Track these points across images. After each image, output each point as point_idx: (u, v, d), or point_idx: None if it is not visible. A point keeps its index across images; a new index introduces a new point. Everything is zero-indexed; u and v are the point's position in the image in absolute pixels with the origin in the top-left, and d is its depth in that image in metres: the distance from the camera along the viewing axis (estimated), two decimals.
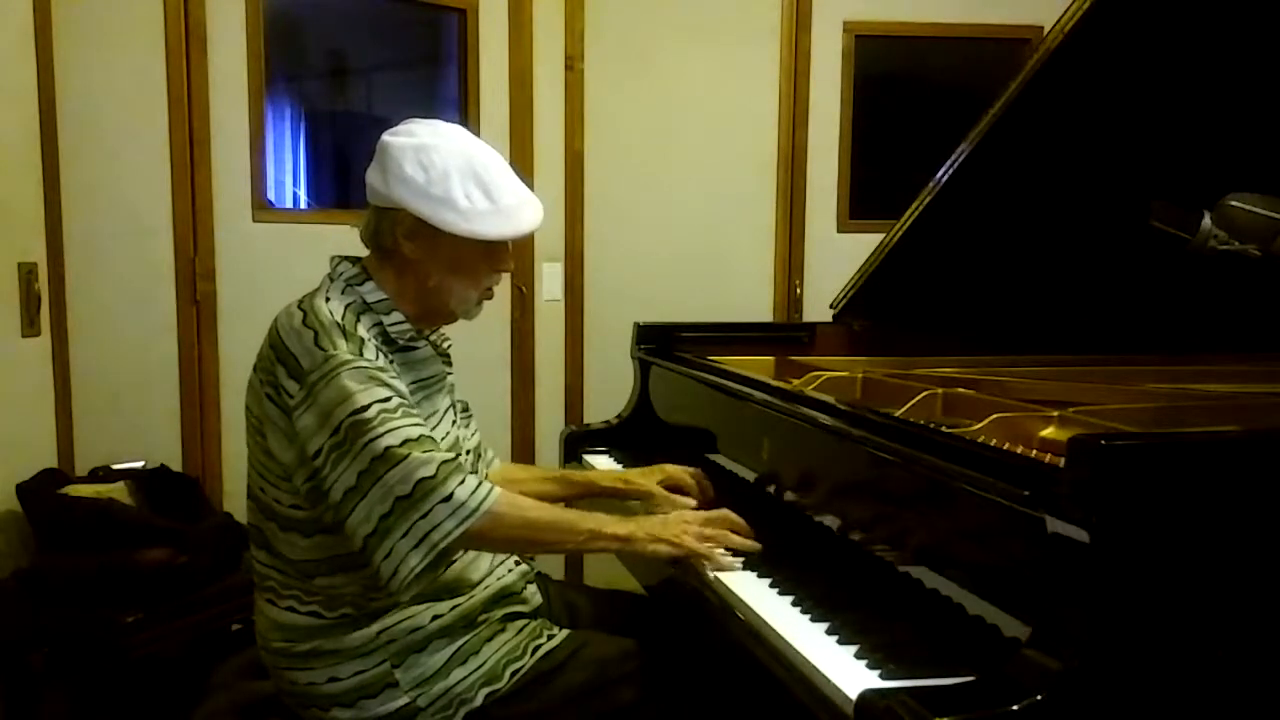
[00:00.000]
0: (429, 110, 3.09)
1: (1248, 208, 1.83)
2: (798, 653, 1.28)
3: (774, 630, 1.35)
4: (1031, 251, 2.17)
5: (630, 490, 1.89)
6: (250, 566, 1.66)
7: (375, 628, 1.55)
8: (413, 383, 1.61)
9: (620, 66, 3.49)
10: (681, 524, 1.64)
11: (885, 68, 3.63)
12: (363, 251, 1.66)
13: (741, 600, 1.46)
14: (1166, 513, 1.06)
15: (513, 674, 1.58)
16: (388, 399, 1.48)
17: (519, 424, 3.47)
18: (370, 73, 3.55)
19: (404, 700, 1.54)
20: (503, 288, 1.73)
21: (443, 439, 1.60)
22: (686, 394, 2.27)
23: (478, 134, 2.33)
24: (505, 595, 1.67)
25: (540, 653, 1.61)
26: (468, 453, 1.75)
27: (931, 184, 2.10)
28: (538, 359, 3.49)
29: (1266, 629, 1.09)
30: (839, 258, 2.97)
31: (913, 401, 1.73)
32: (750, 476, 1.93)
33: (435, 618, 1.57)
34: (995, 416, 1.56)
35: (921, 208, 2.13)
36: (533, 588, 1.75)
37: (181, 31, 2.73)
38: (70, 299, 2.64)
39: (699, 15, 3.51)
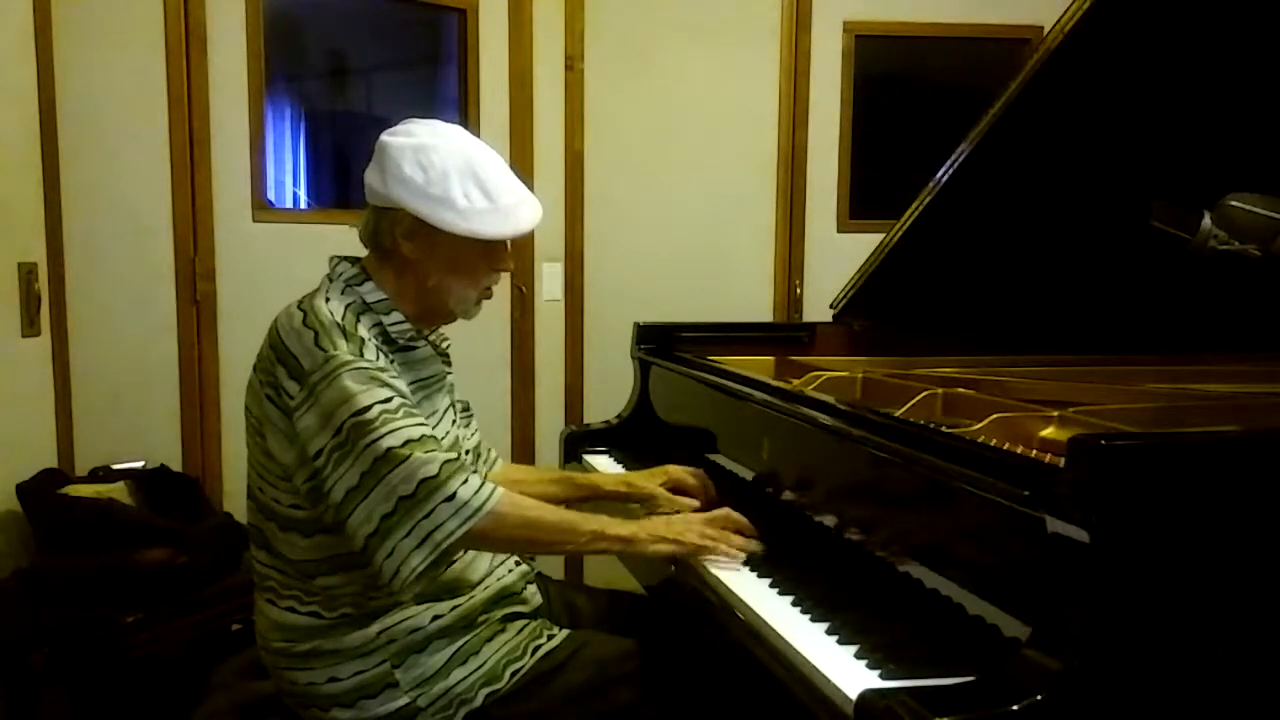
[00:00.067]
0: (429, 110, 3.09)
1: (1248, 208, 1.83)
2: (798, 653, 1.28)
3: (774, 630, 1.35)
4: (1031, 251, 2.17)
5: (633, 494, 1.90)
6: (250, 566, 1.66)
7: (375, 628, 1.55)
8: (412, 382, 1.61)
9: (620, 66, 3.49)
10: (684, 524, 1.64)
11: (885, 68, 3.63)
12: (362, 251, 1.66)
13: (741, 600, 1.46)
14: (1166, 513, 1.06)
15: (513, 674, 1.58)
16: (389, 399, 1.48)
17: (519, 424, 3.47)
18: (370, 73, 3.55)
19: (404, 700, 1.54)
20: (502, 288, 1.74)
21: (442, 439, 1.60)
22: (686, 394, 2.27)
23: (478, 134, 2.34)
24: (505, 595, 1.67)
25: (540, 653, 1.61)
26: (467, 452, 1.75)
27: (931, 184, 2.10)
28: (538, 359, 3.49)
29: (1266, 629, 1.09)
30: (839, 258, 2.97)
31: (913, 401, 1.73)
32: (750, 476, 1.93)
33: (435, 618, 1.57)
34: (995, 416, 1.56)
35: (921, 208, 2.13)
36: (533, 588, 1.75)
37: (181, 31, 2.73)
38: (70, 299, 2.64)
39: (699, 15, 3.51)
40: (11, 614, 2.22)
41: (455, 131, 1.63)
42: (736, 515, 1.66)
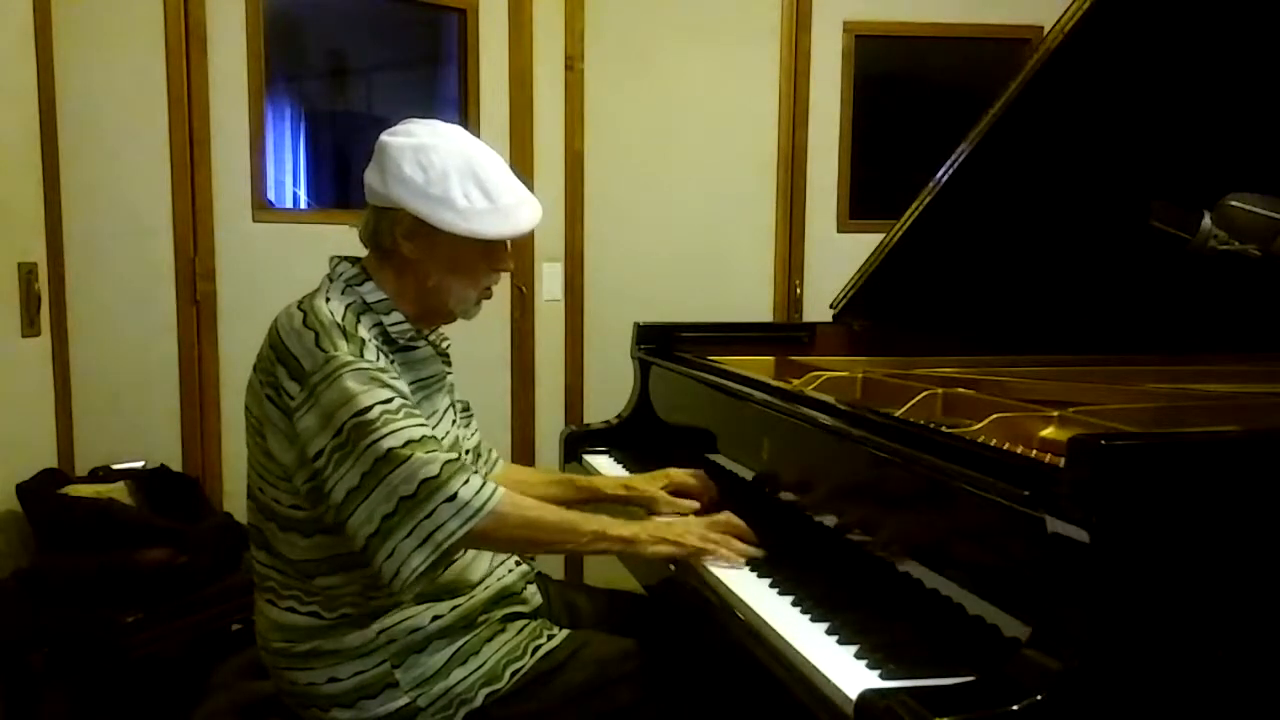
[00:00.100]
0: (429, 110, 3.09)
1: (1248, 208, 1.83)
2: (798, 653, 1.28)
3: (774, 630, 1.35)
4: (1032, 251, 2.17)
5: (633, 497, 1.89)
6: (250, 567, 1.66)
7: (375, 628, 1.55)
8: (413, 382, 1.61)
9: (620, 66, 3.49)
10: (685, 526, 1.65)
11: (885, 68, 3.63)
12: (362, 251, 1.66)
13: (741, 600, 1.46)
14: (1166, 513, 1.06)
15: (513, 674, 1.58)
16: (390, 400, 1.48)
17: (519, 424, 3.47)
18: (370, 73, 3.55)
19: (404, 700, 1.54)
20: (502, 288, 1.74)
21: (442, 439, 1.60)
22: (686, 394, 2.27)
23: (478, 134, 2.34)
24: (505, 595, 1.67)
25: (540, 653, 1.61)
26: (467, 452, 1.75)
27: (931, 184, 2.10)
28: (538, 359, 3.49)
29: (1266, 629, 1.09)
30: (839, 258, 2.97)
31: (913, 401, 1.73)
32: (750, 476, 1.93)
33: (435, 618, 1.57)
34: (995, 416, 1.56)
35: (921, 208, 2.13)
36: (533, 588, 1.75)
37: (181, 31, 2.73)
38: (70, 299, 2.64)
39: (699, 15, 3.51)
40: (11, 614, 2.22)
41: (455, 131, 1.63)
42: (737, 520, 1.66)
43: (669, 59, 3.51)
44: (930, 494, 1.36)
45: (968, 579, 1.28)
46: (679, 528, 1.64)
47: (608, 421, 2.48)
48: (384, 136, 1.60)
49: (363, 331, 1.54)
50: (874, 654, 1.23)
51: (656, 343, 2.46)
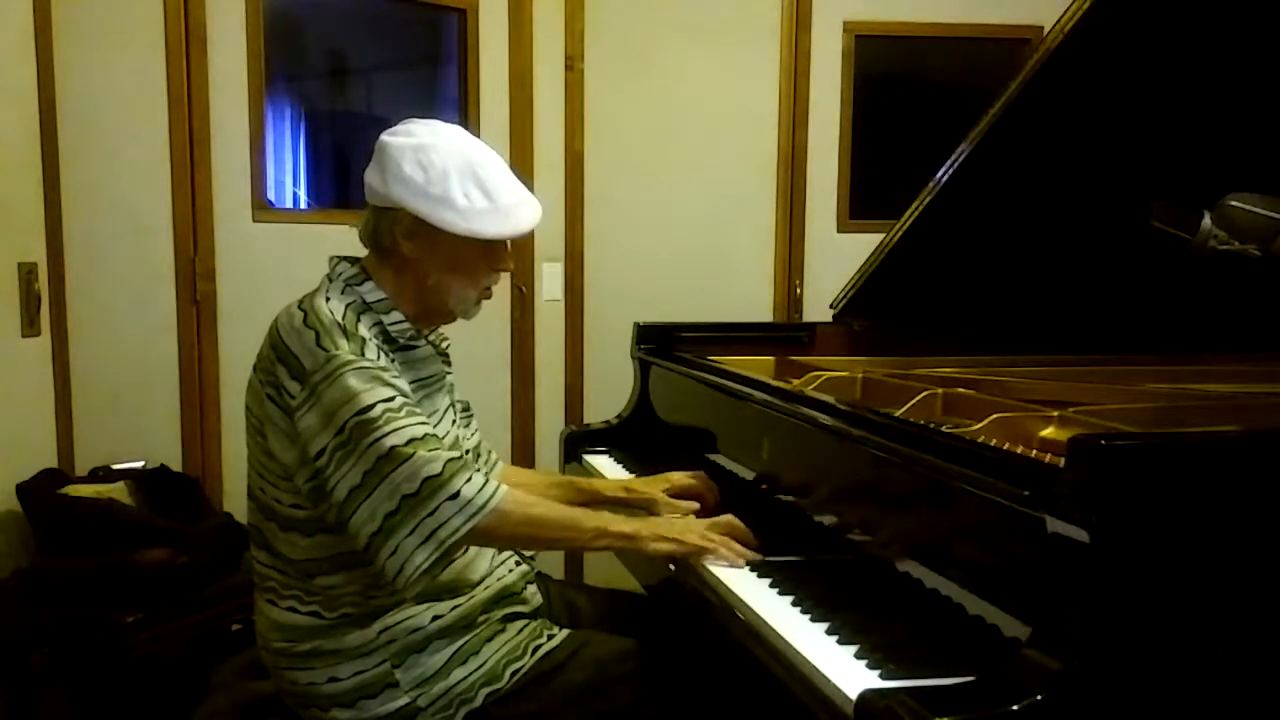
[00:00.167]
0: (429, 110, 3.09)
1: (1248, 208, 1.83)
2: (798, 653, 1.27)
3: (774, 630, 1.35)
4: (1031, 251, 2.17)
5: (634, 499, 1.89)
6: (250, 567, 1.66)
7: (375, 628, 1.55)
8: (413, 382, 1.61)
9: (620, 66, 3.49)
10: (686, 525, 1.65)
11: (885, 68, 3.63)
12: (362, 251, 1.66)
13: (741, 600, 1.46)
14: (1166, 513, 1.06)
15: (513, 674, 1.58)
16: (391, 398, 1.48)
17: (519, 424, 3.47)
18: (370, 73, 3.54)
19: (404, 700, 1.54)
20: (502, 288, 1.74)
21: (443, 438, 1.60)
22: (686, 394, 2.27)
23: (478, 134, 2.34)
24: (505, 595, 1.67)
25: (540, 653, 1.61)
26: (467, 452, 1.75)
27: (931, 184, 2.10)
28: (538, 359, 3.49)
29: (1266, 629, 1.09)
30: (839, 258, 2.97)
31: (913, 401, 1.73)
32: (750, 476, 1.93)
33: (435, 618, 1.57)
34: (995, 416, 1.56)
35: (921, 208, 2.13)
36: (533, 588, 1.75)
37: (181, 31, 2.73)
38: (70, 299, 2.64)
39: (699, 15, 3.51)
40: (11, 614, 2.22)
41: (455, 131, 1.63)
42: (739, 523, 1.66)
43: (669, 59, 3.51)
44: (930, 494, 1.36)
45: (968, 579, 1.28)
46: (680, 525, 1.64)
47: (608, 421, 2.48)
48: (384, 136, 1.60)
49: (363, 330, 1.54)
50: (874, 654, 1.23)
51: (656, 343, 2.46)
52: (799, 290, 3.59)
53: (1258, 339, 2.20)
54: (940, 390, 1.80)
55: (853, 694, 1.11)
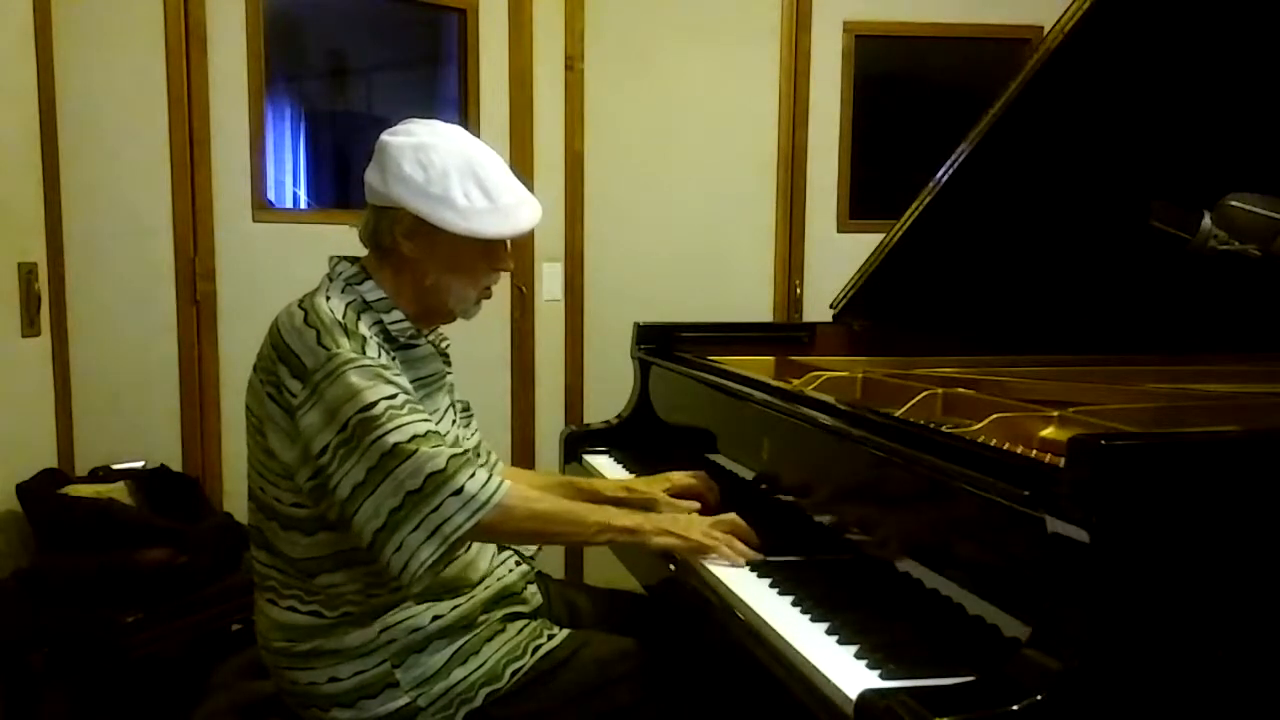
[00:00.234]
0: (429, 110, 3.09)
1: (1248, 208, 1.83)
2: (798, 653, 1.27)
3: (774, 630, 1.35)
4: (1031, 251, 2.17)
5: (635, 499, 1.89)
6: (250, 566, 1.66)
7: (376, 627, 1.55)
8: (413, 381, 1.61)
9: (620, 66, 3.49)
10: (689, 521, 1.65)
11: (885, 68, 3.63)
12: (362, 251, 1.66)
13: (741, 600, 1.46)
14: (1166, 513, 1.06)
15: (513, 674, 1.58)
16: (394, 396, 1.48)
17: (519, 424, 3.47)
18: (370, 73, 3.55)
19: (404, 700, 1.54)
20: (502, 287, 1.74)
21: (445, 435, 1.60)
22: (686, 394, 2.27)
23: (478, 134, 2.34)
24: (505, 595, 1.67)
25: (540, 652, 1.61)
26: (466, 452, 1.75)
27: (931, 184, 2.10)
28: (538, 359, 3.49)
29: (1266, 629, 1.09)
30: (839, 258, 2.97)
31: (913, 401, 1.73)
32: (750, 476, 1.93)
33: (435, 618, 1.57)
34: (995, 416, 1.56)
35: (921, 208, 2.13)
36: (533, 588, 1.75)
37: (181, 31, 2.73)
38: (70, 299, 2.64)
39: (699, 15, 3.51)
40: (11, 614, 2.22)
41: (455, 131, 1.63)
42: (742, 522, 1.66)
43: (669, 59, 3.51)
44: (930, 494, 1.36)
45: (968, 579, 1.28)
46: (684, 522, 1.64)
47: (608, 421, 2.48)
48: (384, 136, 1.60)
49: (363, 329, 1.55)
50: (874, 654, 1.23)
51: (656, 343, 2.46)
52: (799, 290, 3.59)
53: (1258, 339, 2.20)
54: (940, 390, 1.80)
55: (853, 694, 1.11)
